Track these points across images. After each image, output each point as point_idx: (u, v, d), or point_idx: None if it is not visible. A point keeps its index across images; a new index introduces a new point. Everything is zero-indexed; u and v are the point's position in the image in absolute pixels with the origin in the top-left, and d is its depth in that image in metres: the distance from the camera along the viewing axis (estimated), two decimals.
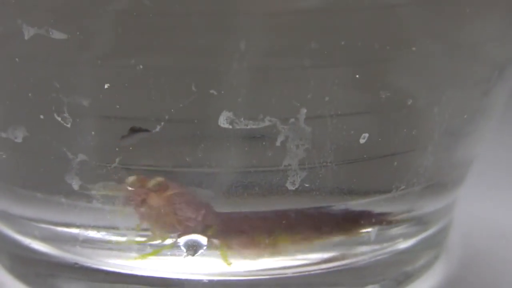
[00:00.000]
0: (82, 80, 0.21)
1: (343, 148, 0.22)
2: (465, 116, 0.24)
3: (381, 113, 0.22)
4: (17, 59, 0.21)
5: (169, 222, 0.23)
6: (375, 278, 0.25)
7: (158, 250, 0.23)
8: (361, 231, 0.24)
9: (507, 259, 0.27)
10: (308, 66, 0.21)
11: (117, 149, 0.22)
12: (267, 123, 0.21)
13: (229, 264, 0.23)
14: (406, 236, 0.25)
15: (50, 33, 0.20)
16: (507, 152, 0.36)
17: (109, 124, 0.22)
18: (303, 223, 0.23)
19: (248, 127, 0.21)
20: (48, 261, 0.24)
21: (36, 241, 0.24)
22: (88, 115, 0.21)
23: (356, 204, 0.23)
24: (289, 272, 0.24)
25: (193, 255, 0.23)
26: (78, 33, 0.20)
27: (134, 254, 0.23)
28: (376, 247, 0.24)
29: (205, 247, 0.23)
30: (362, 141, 0.22)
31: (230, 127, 0.21)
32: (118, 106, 0.21)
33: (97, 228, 0.23)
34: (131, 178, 0.22)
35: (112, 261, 0.23)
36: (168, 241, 0.23)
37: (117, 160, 0.22)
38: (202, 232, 0.23)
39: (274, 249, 0.23)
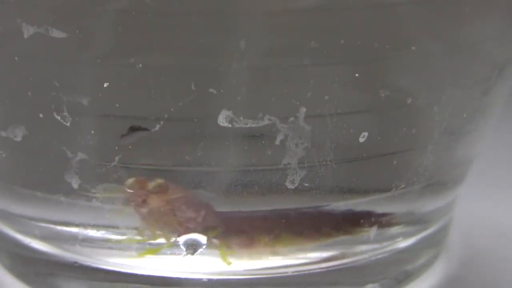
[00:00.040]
0: (81, 79, 0.21)
1: (343, 147, 0.22)
2: (465, 115, 0.24)
3: (381, 112, 0.22)
4: (16, 58, 0.21)
5: (169, 223, 0.23)
6: (375, 277, 0.25)
7: (157, 249, 0.23)
8: (361, 230, 0.24)
9: (507, 258, 0.27)
10: (308, 65, 0.21)
11: (116, 148, 0.22)
12: (266, 122, 0.21)
13: (229, 263, 0.23)
14: (406, 235, 0.25)
15: (50, 32, 0.20)
16: (507, 152, 0.36)
17: (108, 123, 0.22)
18: (303, 222, 0.23)
19: (248, 126, 0.21)
20: (47, 260, 0.24)
21: (35, 240, 0.24)
22: (87, 114, 0.21)
23: (356, 203, 0.23)
24: (289, 271, 0.24)
25: (192, 254, 0.23)
26: (77, 32, 0.20)
27: (133, 253, 0.23)
28: (376, 246, 0.24)
29: (204, 246, 0.23)
30: (361, 140, 0.22)
31: (230, 126, 0.21)
32: (117, 105, 0.21)
33: (97, 227, 0.23)
34: (130, 180, 0.22)
35: (112, 260, 0.23)
36: (168, 240, 0.23)
37: (116, 159, 0.22)
38: (203, 233, 0.23)
39: (273, 249, 0.23)
